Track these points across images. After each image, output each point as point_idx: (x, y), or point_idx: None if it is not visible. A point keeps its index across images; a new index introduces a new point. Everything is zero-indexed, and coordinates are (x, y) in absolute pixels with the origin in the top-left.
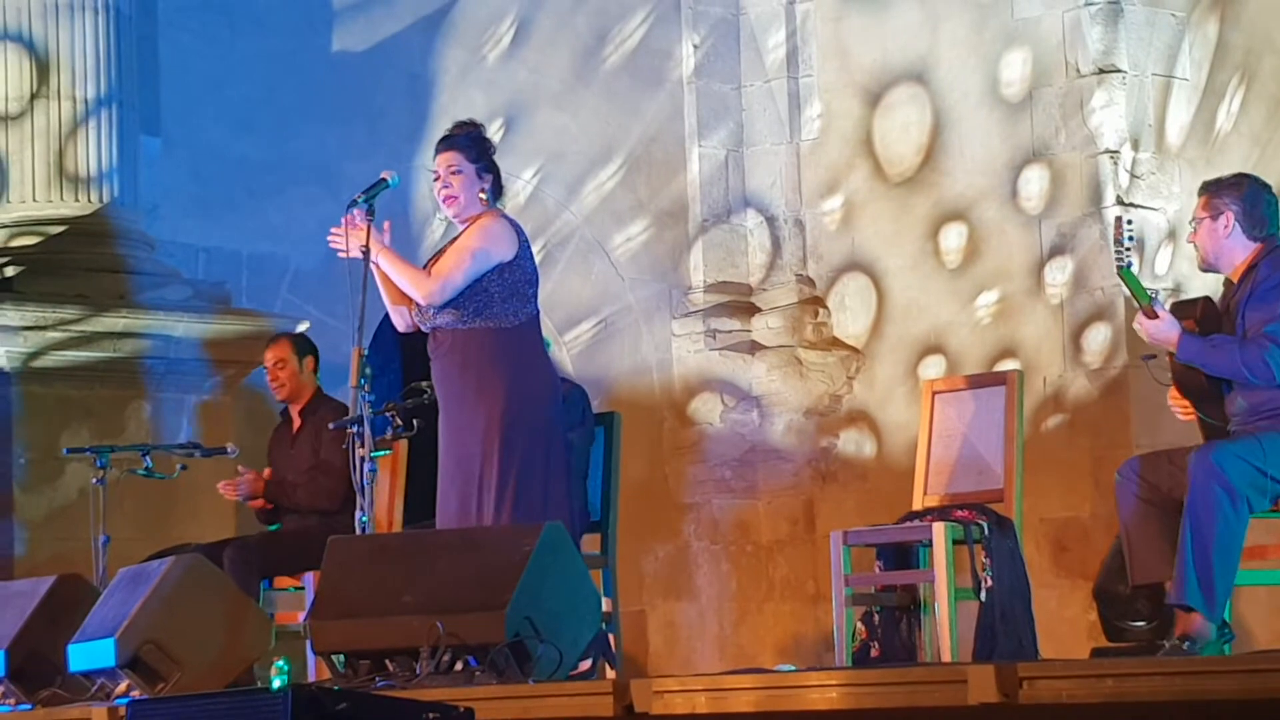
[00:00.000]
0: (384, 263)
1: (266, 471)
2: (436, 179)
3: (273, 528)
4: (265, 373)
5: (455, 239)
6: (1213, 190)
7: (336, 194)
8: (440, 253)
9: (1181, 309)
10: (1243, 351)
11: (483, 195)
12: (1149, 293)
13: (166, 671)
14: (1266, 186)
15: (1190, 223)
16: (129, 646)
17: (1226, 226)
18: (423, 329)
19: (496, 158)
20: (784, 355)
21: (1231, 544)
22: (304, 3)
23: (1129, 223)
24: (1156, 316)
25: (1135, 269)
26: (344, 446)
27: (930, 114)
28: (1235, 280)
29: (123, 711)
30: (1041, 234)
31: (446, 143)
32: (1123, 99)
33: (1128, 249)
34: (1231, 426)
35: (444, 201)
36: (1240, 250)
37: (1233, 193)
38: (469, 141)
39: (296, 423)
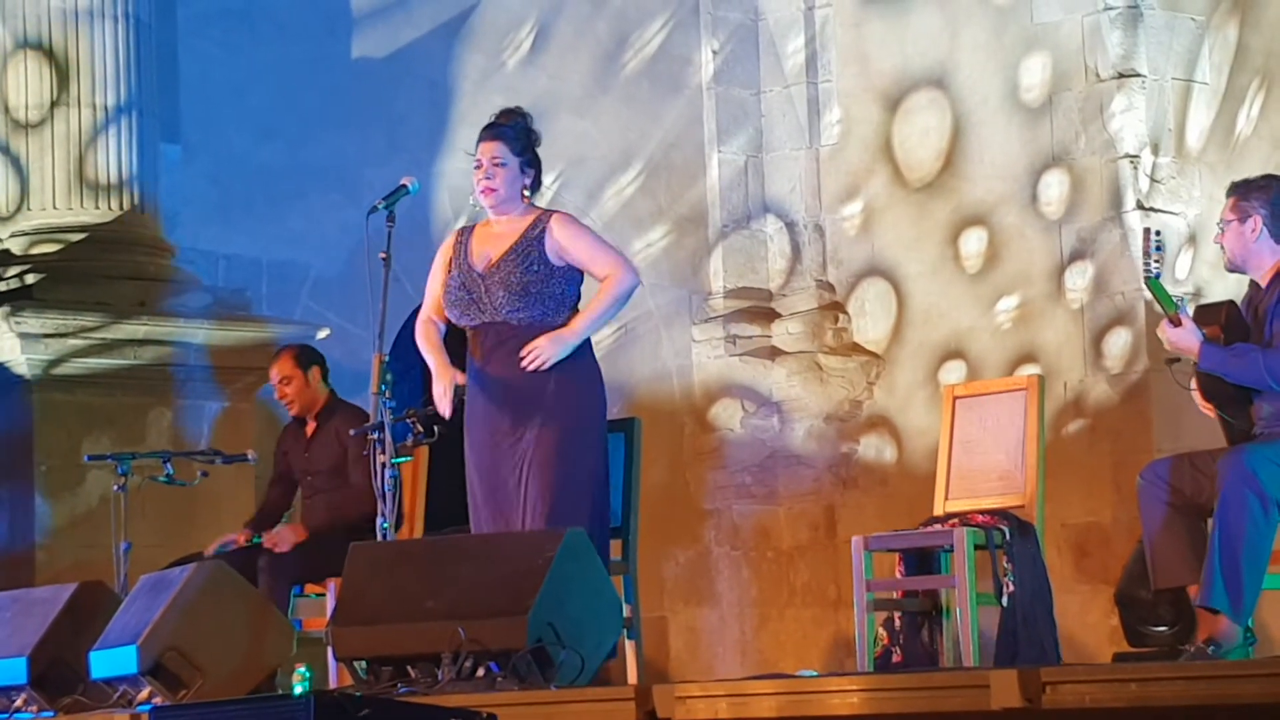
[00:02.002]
0: (586, 326)
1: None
2: (478, 167)
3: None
4: (273, 390)
5: (534, 245)
6: (1241, 192)
7: (357, 200)
8: (521, 268)
9: (1205, 314)
10: (1266, 359)
11: (525, 192)
12: (1175, 301)
13: (188, 678)
14: None
15: (1218, 224)
16: (151, 653)
17: (1254, 230)
18: (464, 324)
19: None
20: (804, 360)
21: (1260, 547)
22: (324, 10)
23: (1157, 233)
24: (1181, 324)
25: (1161, 278)
26: (365, 453)
27: (950, 119)
28: (1263, 285)
29: (145, 718)
30: (1061, 239)
31: (492, 131)
32: (1142, 103)
33: (1156, 260)
34: (1257, 430)
35: (482, 192)
36: (1268, 254)
37: (1262, 195)
38: (515, 133)
39: (311, 425)
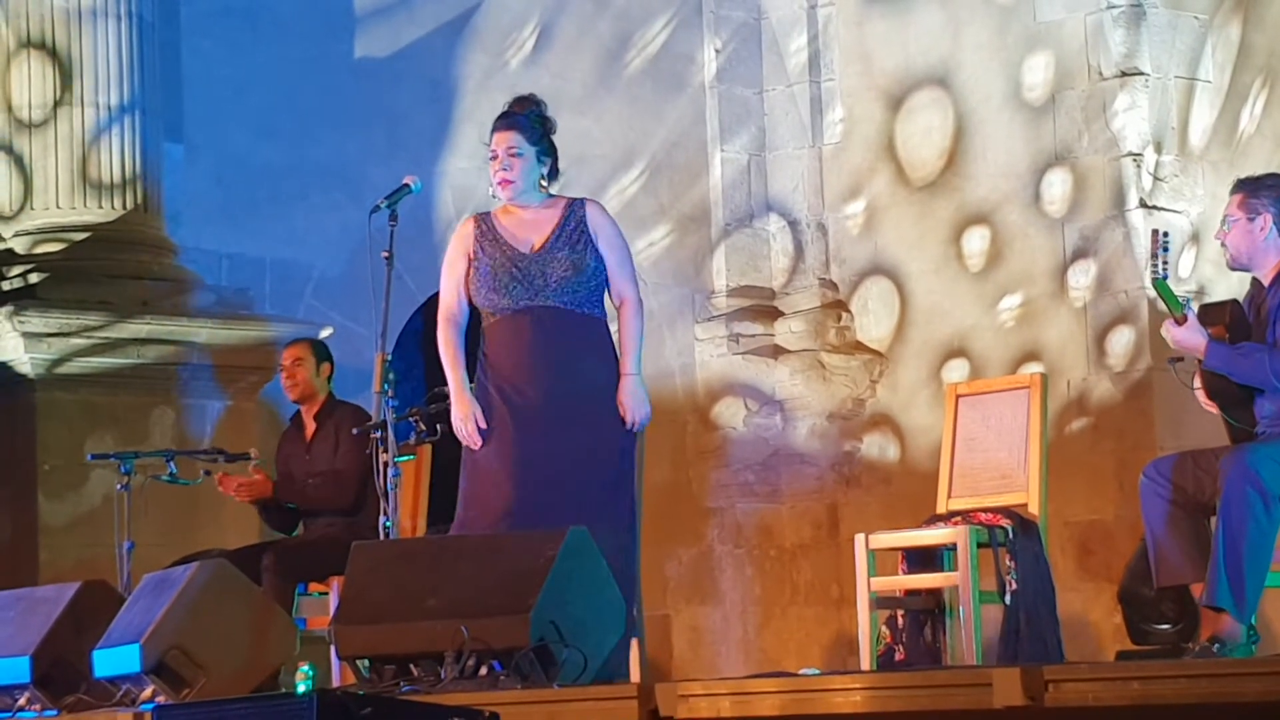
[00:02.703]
0: (639, 360)
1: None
2: (494, 158)
3: (293, 533)
4: (280, 372)
5: (578, 231)
6: (1250, 189)
7: (359, 199)
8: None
9: (1210, 313)
10: (1272, 359)
11: (543, 182)
12: (1181, 301)
13: (191, 677)
14: None
15: (1223, 221)
16: (154, 652)
17: (1264, 229)
18: (503, 307)
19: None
20: (807, 359)
21: (1263, 546)
22: (326, 9)
23: (1165, 235)
24: (1186, 323)
25: (1168, 278)
26: (366, 452)
27: (952, 118)
28: (1266, 284)
29: (148, 717)
30: (1064, 237)
31: (506, 121)
32: (1145, 102)
33: (1163, 262)
34: (1260, 429)
35: (500, 184)
36: (1274, 253)
37: (1272, 194)
38: (529, 122)
39: (310, 427)
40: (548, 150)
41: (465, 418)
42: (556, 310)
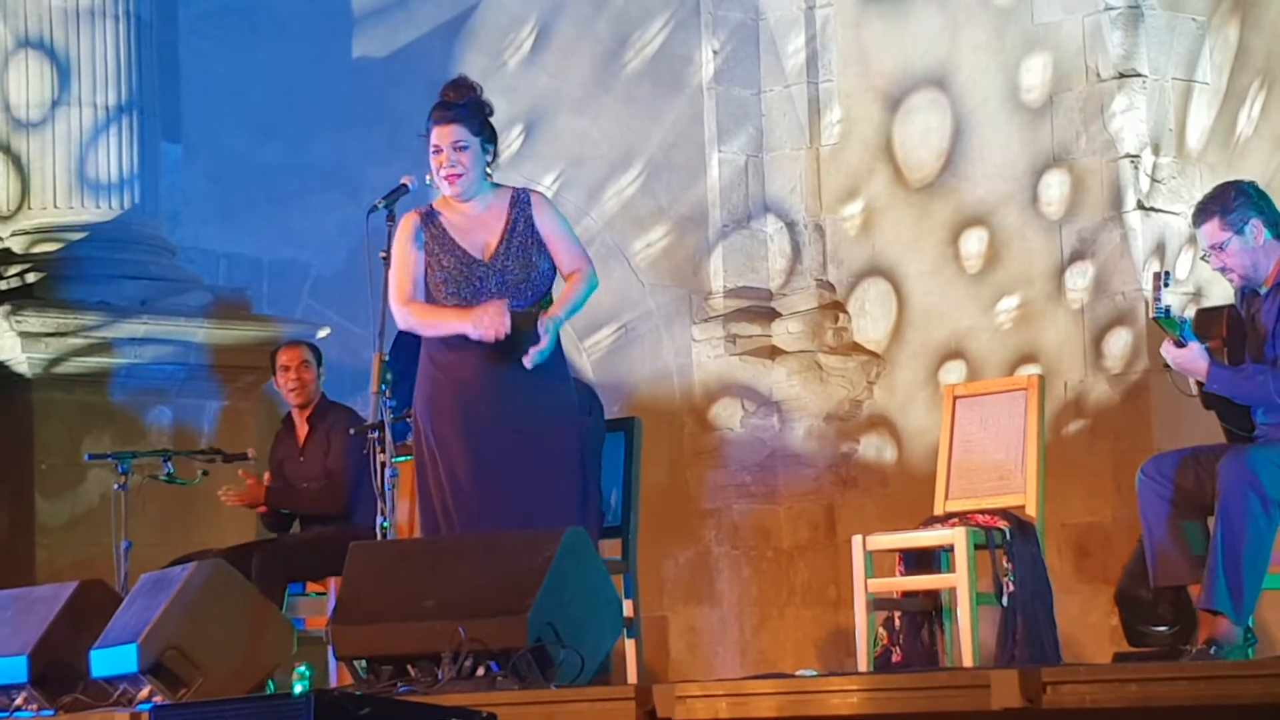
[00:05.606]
0: (564, 310)
1: (266, 476)
2: (437, 153)
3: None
4: (279, 373)
5: (527, 232)
6: (1219, 210)
7: (357, 199)
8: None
9: (1206, 321)
10: (1275, 380)
11: (489, 172)
12: (1180, 325)
13: (188, 677)
14: (1251, 184)
15: (1206, 253)
16: (151, 652)
17: (1258, 235)
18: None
19: (517, 161)
20: (804, 360)
21: (1261, 548)
22: (325, 9)
23: (1166, 274)
24: (1185, 345)
25: (1171, 312)
26: (364, 452)
27: (950, 119)
28: (1263, 291)
29: (145, 717)
30: (1062, 239)
31: (448, 113)
32: (1143, 103)
33: (1167, 306)
34: (1258, 434)
35: (447, 179)
36: (1274, 255)
37: (1240, 201)
38: (471, 111)
39: (303, 429)
40: (490, 138)
41: (477, 322)
42: (514, 315)
